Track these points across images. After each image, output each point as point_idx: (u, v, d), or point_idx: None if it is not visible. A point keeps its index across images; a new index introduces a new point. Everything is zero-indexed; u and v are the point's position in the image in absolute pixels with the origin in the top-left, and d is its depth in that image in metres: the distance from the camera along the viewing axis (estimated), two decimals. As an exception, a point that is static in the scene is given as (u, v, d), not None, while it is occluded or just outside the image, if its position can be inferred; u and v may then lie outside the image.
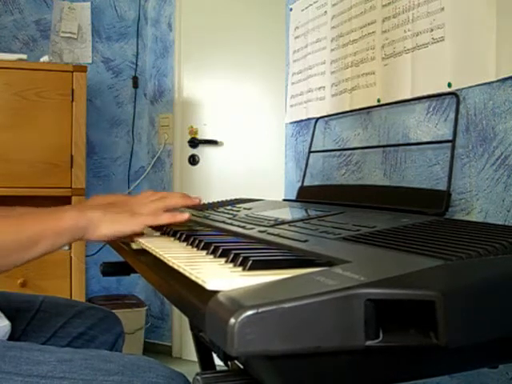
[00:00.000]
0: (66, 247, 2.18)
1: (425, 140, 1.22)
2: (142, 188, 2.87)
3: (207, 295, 0.47)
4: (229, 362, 0.99)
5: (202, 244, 0.73)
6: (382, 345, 0.44)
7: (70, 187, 2.20)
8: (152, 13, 2.88)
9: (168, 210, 0.88)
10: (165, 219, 0.82)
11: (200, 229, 0.96)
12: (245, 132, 2.72)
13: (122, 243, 0.88)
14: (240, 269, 0.57)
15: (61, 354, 0.79)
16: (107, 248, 1.05)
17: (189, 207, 0.97)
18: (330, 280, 0.45)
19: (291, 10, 1.84)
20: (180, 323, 2.74)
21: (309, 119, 1.71)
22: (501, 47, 1.00)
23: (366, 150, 1.44)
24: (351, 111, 1.48)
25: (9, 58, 2.17)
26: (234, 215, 1.09)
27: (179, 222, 0.84)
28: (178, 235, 0.84)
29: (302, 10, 1.75)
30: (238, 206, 1.27)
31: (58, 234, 0.78)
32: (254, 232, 0.84)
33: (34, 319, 1.08)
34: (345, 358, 0.45)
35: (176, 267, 0.62)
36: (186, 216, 0.83)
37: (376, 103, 1.37)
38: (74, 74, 2.20)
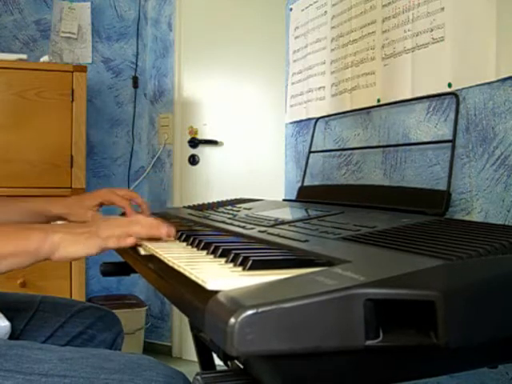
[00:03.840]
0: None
1: (425, 140, 1.22)
2: (142, 188, 2.87)
3: (207, 295, 0.47)
4: (229, 362, 1.00)
5: (202, 244, 0.73)
6: (382, 345, 0.44)
7: (70, 187, 2.19)
8: (152, 13, 2.88)
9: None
10: (111, 244, 0.80)
11: (200, 229, 0.96)
12: (245, 132, 2.72)
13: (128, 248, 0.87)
14: (240, 269, 0.57)
15: (62, 352, 0.79)
16: (107, 248, 1.05)
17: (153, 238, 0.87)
18: (330, 280, 0.45)
19: (291, 10, 1.84)
20: (180, 323, 2.74)
21: (309, 119, 1.71)
22: (501, 47, 1.00)
23: (365, 150, 1.44)
24: (351, 111, 1.48)
25: (9, 58, 2.17)
26: (234, 215, 1.09)
27: (125, 246, 0.82)
28: (178, 235, 0.84)
29: (302, 10, 1.75)
30: (237, 206, 1.27)
31: (20, 255, 0.79)
32: (254, 232, 0.84)
33: (32, 319, 1.08)
34: (345, 358, 0.45)
35: (176, 267, 0.62)
36: (129, 241, 0.80)
37: (376, 103, 1.37)
38: (74, 73, 2.20)
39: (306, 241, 0.72)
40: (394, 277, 0.46)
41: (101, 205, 1.16)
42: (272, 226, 0.89)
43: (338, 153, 1.56)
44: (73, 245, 0.80)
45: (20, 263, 0.79)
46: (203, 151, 2.74)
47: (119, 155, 2.88)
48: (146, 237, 0.82)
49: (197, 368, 1.35)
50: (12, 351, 0.78)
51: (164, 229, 0.82)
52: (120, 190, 1.19)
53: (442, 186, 1.06)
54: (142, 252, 0.79)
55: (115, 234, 0.81)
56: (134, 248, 0.84)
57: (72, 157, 2.20)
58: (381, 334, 0.44)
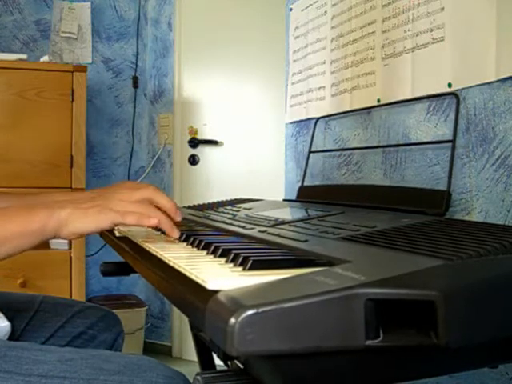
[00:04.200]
0: (66, 247, 2.18)
1: (425, 140, 1.22)
2: (142, 188, 2.86)
3: (207, 295, 0.47)
4: (229, 362, 1.00)
5: (203, 244, 0.73)
6: (382, 344, 0.43)
7: (70, 187, 2.19)
8: (152, 13, 2.88)
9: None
10: (130, 220, 0.76)
11: (200, 229, 0.96)
12: (245, 132, 2.72)
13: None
14: (240, 269, 0.57)
15: (62, 353, 0.79)
16: (107, 248, 1.04)
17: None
18: (330, 280, 0.45)
19: (291, 10, 1.84)
20: (180, 323, 2.74)
21: (309, 119, 1.71)
22: (501, 47, 1.00)
23: (365, 150, 1.44)
24: (351, 111, 1.48)
25: (9, 58, 2.17)
26: (234, 215, 1.09)
27: (146, 225, 0.78)
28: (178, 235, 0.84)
29: (302, 10, 1.75)
30: (237, 206, 1.27)
31: (24, 236, 0.75)
32: (254, 232, 0.84)
33: (33, 319, 1.08)
34: (345, 358, 0.45)
35: (176, 267, 0.62)
36: (153, 222, 0.76)
37: (376, 103, 1.37)
38: (74, 73, 2.20)
39: (306, 241, 0.72)
40: (394, 277, 0.46)
41: None
42: (272, 225, 0.89)
43: (338, 153, 1.56)
44: (81, 219, 0.75)
45: (26, 244, 0.76)
46: (203, 151, 2.74)
47: (119, 155, 2.88)
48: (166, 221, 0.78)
49: (197, 368, 1.35)
50: (12, 352, 0.77)
51: (152, 222, 0.77)
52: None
53: (442, 186, 1.06)
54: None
55: (134, 210, 0.76)
56: (133, 246, 0.84)
57: (72, 157, 2.20)
58: (381, 334, 0.44)
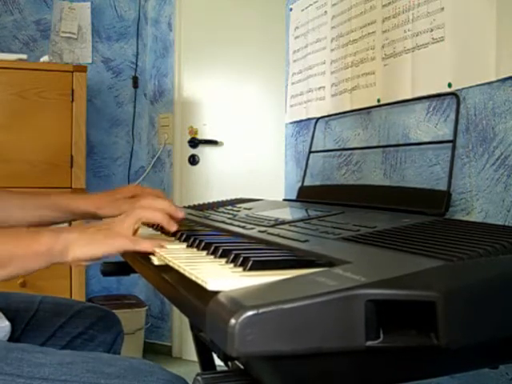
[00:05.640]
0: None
1: (425, 140, 1.22)
2: (142, 188, 2.86)
3: (208, 295, 0.47)
4: (229, 363, 1.00)
5: (203, 244, 0.73)
6: (383, 345, 0.44)
7: (70, 187, 2.19)
8: (152, 13, 2.88)
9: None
10: (144, 247, 0.76)
11: (200, 229, 0.96)
12: (245, 132, 2.72)
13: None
14: (240, 269, 0.57)
15: (62, 356, 0.79)
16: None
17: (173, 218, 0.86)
18: (331, 281, 0.45)
19: (291, 10, 1.84)
20: (180, 323, 2.74)
21: (309, 119, 1.71)
22: (501, 47, 1.00)
23: (365, 150, 1.44)
24: (351, 111, 1.48)
25: (9, 58, 2.17)
26: (234, 215, 1.09)
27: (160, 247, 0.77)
28: (179, 235, 0.84)
29: (302, 10, 1.75)
30: (238, 206, 1.27)
31: (30, 257, 0.75)
32: (254, 232, 0.84)
33: (33, 319, 1.08)
34: (345, 359, 0.45)
35: (176, 267, 0.62)
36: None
37: (376, 103, 1.37)
38: (74, 73, 2.20)
39: (306, 241, 0.72)
40: (394, 277, 0.46)
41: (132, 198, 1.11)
42: (272, 226, 0.89)
43: (338, 153, 1.56)
44: (89, 243, 0.76)
45: (31, 266, 0.76)
46: (203, 151, 2.74)
47: (119, 155, 2.88)
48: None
49: (197, 368, 1.35)
50: (12, 354, 0.77)
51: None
52: (148, 188, 1.13)
53: (442, 186, 1.06)
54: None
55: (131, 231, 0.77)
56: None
57: (72, 157, 2.20)
58: (381, 335, 0.44)
